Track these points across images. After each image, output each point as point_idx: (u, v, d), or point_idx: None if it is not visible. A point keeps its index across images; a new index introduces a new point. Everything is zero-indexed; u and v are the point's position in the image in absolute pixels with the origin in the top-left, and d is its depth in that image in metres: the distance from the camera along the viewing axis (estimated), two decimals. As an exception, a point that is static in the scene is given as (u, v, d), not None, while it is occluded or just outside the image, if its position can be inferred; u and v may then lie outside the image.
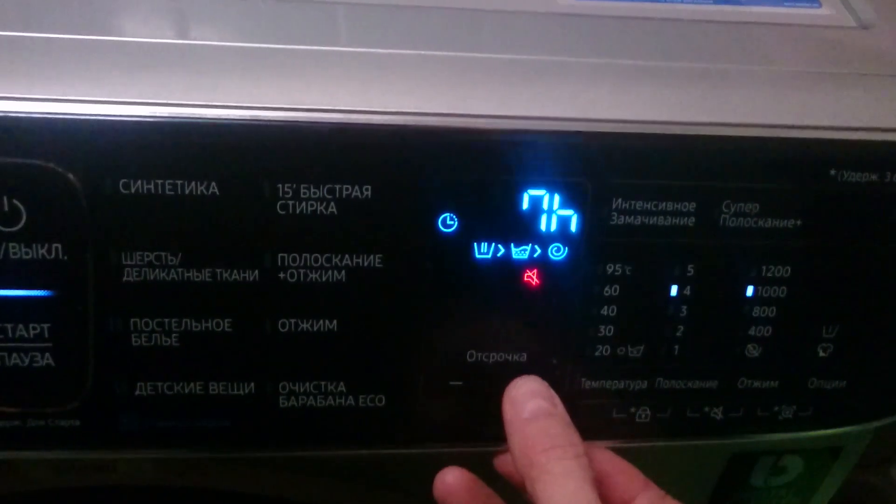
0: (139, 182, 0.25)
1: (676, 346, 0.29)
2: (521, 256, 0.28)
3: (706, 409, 0.31)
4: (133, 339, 0.27)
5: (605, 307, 0.29)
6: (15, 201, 0.25)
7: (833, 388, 0.31)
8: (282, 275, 0.27)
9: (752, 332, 0.30)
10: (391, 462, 0.32)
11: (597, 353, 0.29)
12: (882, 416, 0.32)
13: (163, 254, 0.26)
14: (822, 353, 0.30)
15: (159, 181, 0.25)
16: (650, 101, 0.28)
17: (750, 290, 0.29)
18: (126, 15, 0.29)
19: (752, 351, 0.30)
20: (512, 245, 0.28)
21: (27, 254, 0.26)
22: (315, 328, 0.28)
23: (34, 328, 0.27)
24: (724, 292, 0.29)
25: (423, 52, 0.28)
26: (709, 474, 0.37)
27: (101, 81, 0.25)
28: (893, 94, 0.29)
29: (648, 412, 0.30)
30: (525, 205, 0.27)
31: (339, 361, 0.28)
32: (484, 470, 0.30)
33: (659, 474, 0.33)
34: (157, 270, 0.26)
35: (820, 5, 0.33)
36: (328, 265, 0.27)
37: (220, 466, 0.35)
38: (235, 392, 0.28)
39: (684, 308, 0.29)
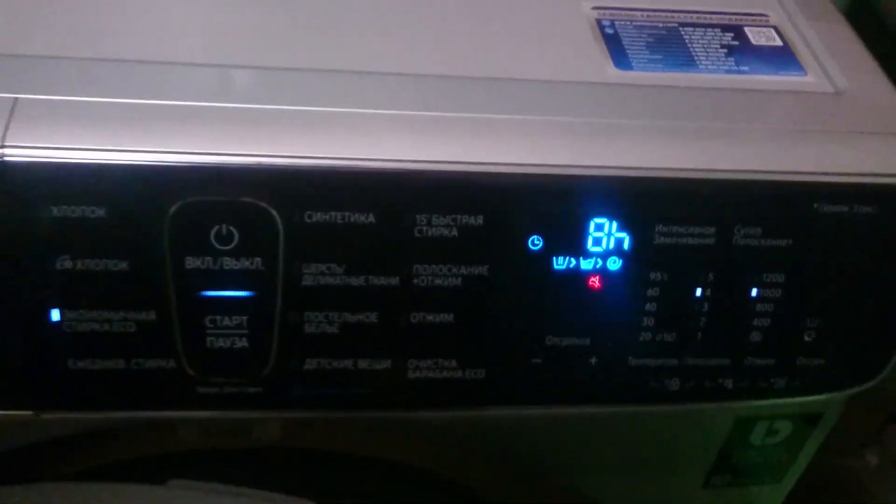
0: (318, 213, 0.35)
1: (699, 333, 0.40)
2: (587, 267, 0.38)
3: (720, 380, 0.41)
4: (305, 328, 0.37)
5: (648, 304, 0.39)
6: (230, 227, 0.35)
7: (815, 365, 0.41)
8: (415, 281, 0.37)
9: (755, 322, 0.40)
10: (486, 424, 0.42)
11: (640, 339, 0.39)
12: (851, 386, 0.42)
13: (332, 265, 0.36)
14: (807, 339, 0.40)
15: (332, 213, 0.35)
16: (681, 153, 0.38)
17: (754, 292, 0.39)
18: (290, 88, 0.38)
19: (755, 336, 0.40)
20: (581, 258, 0.38)
21: (236, 265, 0.36)
22: (437, 320, 0.38)
23: (237, 319, 0.36)
24: (734, 293, 0.39)
25: (512, 117, 0.38)
26: (718, 434, 0.47)
27: (296, 140, 0.35)
28: (860, 147, 0.39)
29: (678, 382, 0.41)
30: (591, 229, 0.37)
31: (452, 344, 0.38)
32: (557, 428, 0.40)
33: (682, 433, 0.43)
34: (327, 277, 0.36)
35: (806, 74, 0.43)
36: (449, 274, 0.37)
37: (334, 428, 0.45)
38: (377, 367, 0.38)
39: (705, 305, 0.39)
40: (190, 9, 0.42)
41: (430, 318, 0.38)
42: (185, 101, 0.36)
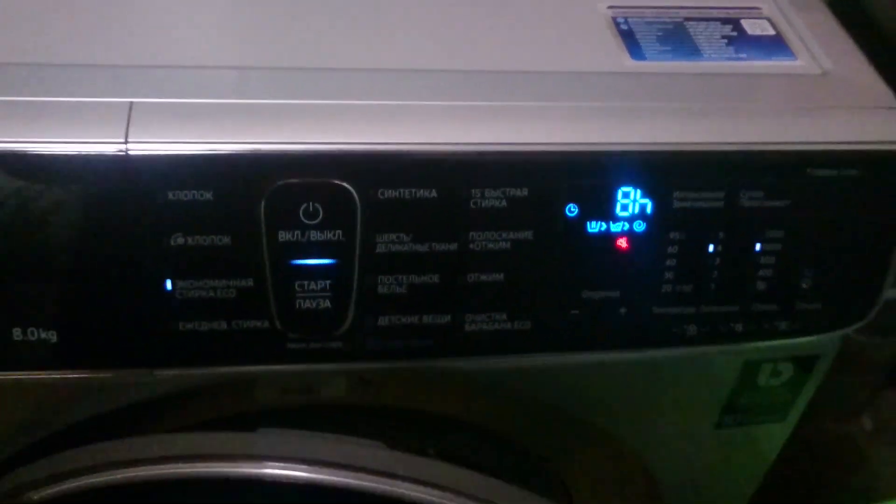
0: (389, 190, 0.41)
1: (712, 284, 0.46)
2: (616, 230, 0.44)
3: (731, 324, 0.47)
4: (379, 289, 0.43)
5: (668, 260, 0.45)
6: (316, 204, 0.41)
7: (812, 309, 0.48)
8: (471, 246, 0.43)
9: (760, 273, 0.46)
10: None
11: (662, 290, 0.46)
12: (843, 327, 0.49)
13: (401, 234, 0.42)
14: (804, 286, 0.47)
15: (401, 189, 0.42)
16: (692, 130, 0.44)
17: (758, 246, 0.46)
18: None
19: (761, 285, 0.46)
20: (610, 222, 0.44)
21: (320, 237, 0.42)
22: (489, 279, 0.44)
23: (321, 283, 0.43)
24: (741, 248, 0.46)
25: (547, 104, 0.44)
26: (729, 377, 0.54)
27: (369, 129, 0.41)
28: (844, 119, 0.46)
29: (695, 328, 0.47)
30: (619, 197, 0.44)
31: (503, 300, 0.45)
32: (587, 375, 0.47)
33: (699, 376, 0.50)
34: (397, 245, 0.43)
35: (796, 58, 0.49)
36: (499, 239, 0.43)
37: (398, 383, 0.52)
38: (438, 322, 0.45)
39: (717, 259, 0.46)
40: (257, 23, 0.48)
41: (483, 277, 0.44)
42: (275, 99, 0.42)
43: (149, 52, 0.44)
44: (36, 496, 0.46)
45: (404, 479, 0.44)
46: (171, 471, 0.44)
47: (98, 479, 0.45)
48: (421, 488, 0.44)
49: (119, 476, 0.45)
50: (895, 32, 0.68)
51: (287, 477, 0.43)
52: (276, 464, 0.44)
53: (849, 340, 1.08)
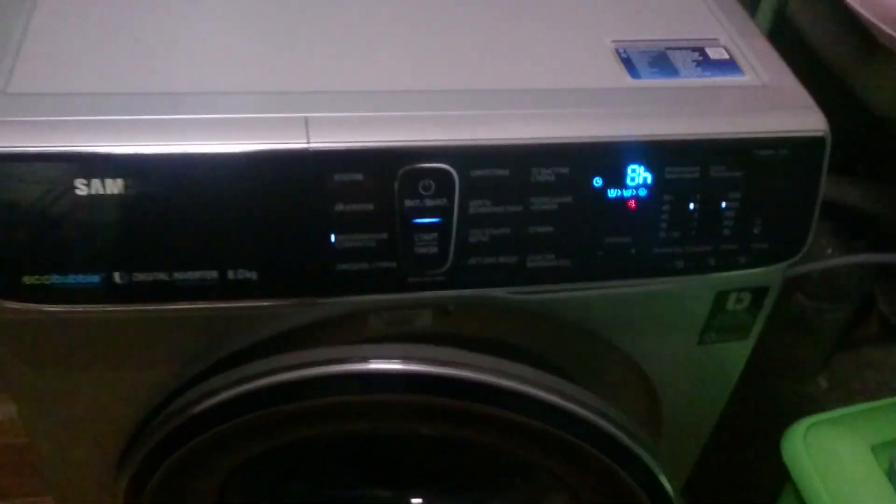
0: (477, 170, 0.62)
1: (693, 231, 0.67)
2: (627, 195, 0.65)
3: (707, 260, 0.68)
4: (470, 239, 0.64)
5: (663, 215, 0.66)
6: (429, 181, 0.62)
7: (762, 248, 0.69)
8: (531, 207, 0.64)
9: (725, 223, 0.67)
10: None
11: (659, 236, 0.67)
12: (785, 259, 0.70)
13: (485, 201, 0.63)
14: (756, 232, 0.68)
15: (485, 169, 0.62)
16: (676, 125, 0.65)
17: (723, 204, 0.67)
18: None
19: (726, 231, 0.68)
20: (623, 190, 0.65)
21: (431, 204, 0.62)
22: (543, 231, 0.64)
23: (431, 236, 0.63)
24: (712, 206, 0.67)
25: (577, 110, 0.65)
26: (706, 303, 0.75)
27: (462, 129, 0.62)
28: (777, 115, 0.67)
29: (682, 262, 0.68)
30: (628, 172, 0.65)
31: (552, 245, 0.65)
32: (604, 304, 0.68)
33: (685, 303, 0.71)
34: (482, 208, 0.63)
35: (744, 75, 0.71)
36: (550, 202, 0.64)
37: (471, 315, 0.72)
38: (509, 261, 0.65)
39: (696, 214, 0.67)
40: (379, 54, 0.69)
41: (539, 230, 0.65)
42: (401, 112, 0.62)
43: (319, 80, 0.65)
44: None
45: (478, 368, 0.65)
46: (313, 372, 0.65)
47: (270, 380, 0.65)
48: (493, 376, 0.64)
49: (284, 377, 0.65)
50: (823, 53, 0.91)
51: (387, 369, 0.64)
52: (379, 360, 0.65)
53: (804, 308, 1.33)
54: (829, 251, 1.38)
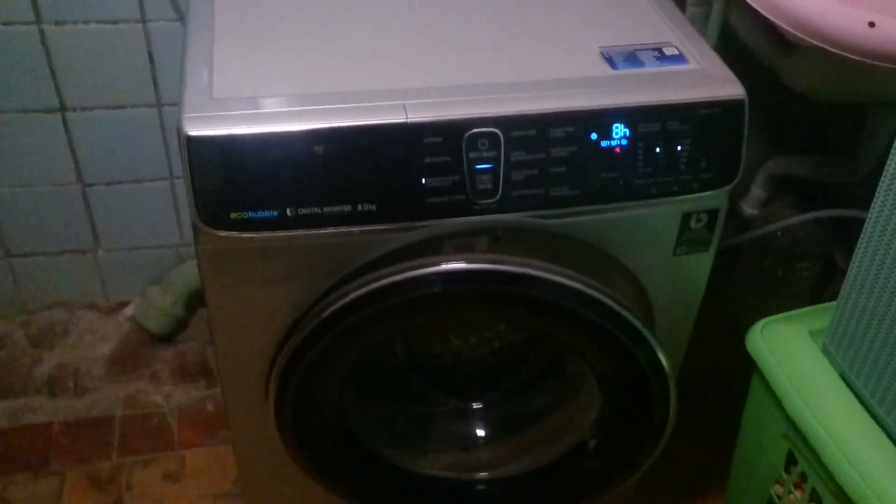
0: (516, 132, 0.96)
1: (660, 167, 1.00)
2: (614, 144, 0.98)
3: (671, 187, 1.01)
4: (513, 177, 0.97)
5: (639, 157, 0.99)
6: (485, 140, 0.95)
7: (708, 176, 1.02)
8: (552, 155, 0.97)
9: (681, 161, 1.00)
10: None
11: (638, 170, 1.00)
12: (725, 185, 1.04)
13: (522, 152, 0.96)
14: (702, 165, 1.01)
15: (521, 131, 0.96)
16: (644, 97, 0.99)
17: (679, 148, 1.00)
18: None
19: (682, 166, 1.00)
20: (611, 140, 0.98)
21: (486, 155, 0.96)
22: (561, 170, 0.98)
23: (487, 176, 0.96)
24: (672, 149, 1.00)
25: (574, 91, 0.99)
26: (674, 224, 1.07)
27: (506, 105, 0.96)
28: (712, 86, 1.01)
29: (655, 189, 1.01)
30: (613, 128, 0.99)
31: (567, 180, 0.98)
32: (606, 224, 1.01)
33: (658, 222, 1.05)
34: (522, 157, 0.96)
35: (689, 63, 1.05)
36: (563, 151, 0.97)
37: (516, 241, 1.05)
38: (538, 192, 0.98)
39: (661, 155, 1.00)
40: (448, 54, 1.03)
41: (558, 169, 0.97)
42: (465, 97, 0.96)
43: (410, 79, 0.99)
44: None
45: (526, 265, 0.98)
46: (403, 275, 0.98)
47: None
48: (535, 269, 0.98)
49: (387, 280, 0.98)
50: (756, 51, 1.26)
51: (455, 268, 0.97)
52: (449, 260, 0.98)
53: (773, 267, 1.68)
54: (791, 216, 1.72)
